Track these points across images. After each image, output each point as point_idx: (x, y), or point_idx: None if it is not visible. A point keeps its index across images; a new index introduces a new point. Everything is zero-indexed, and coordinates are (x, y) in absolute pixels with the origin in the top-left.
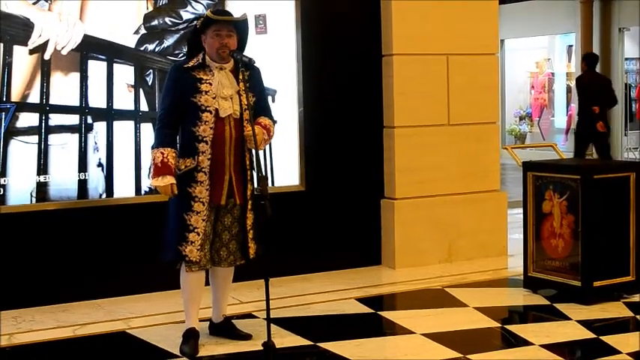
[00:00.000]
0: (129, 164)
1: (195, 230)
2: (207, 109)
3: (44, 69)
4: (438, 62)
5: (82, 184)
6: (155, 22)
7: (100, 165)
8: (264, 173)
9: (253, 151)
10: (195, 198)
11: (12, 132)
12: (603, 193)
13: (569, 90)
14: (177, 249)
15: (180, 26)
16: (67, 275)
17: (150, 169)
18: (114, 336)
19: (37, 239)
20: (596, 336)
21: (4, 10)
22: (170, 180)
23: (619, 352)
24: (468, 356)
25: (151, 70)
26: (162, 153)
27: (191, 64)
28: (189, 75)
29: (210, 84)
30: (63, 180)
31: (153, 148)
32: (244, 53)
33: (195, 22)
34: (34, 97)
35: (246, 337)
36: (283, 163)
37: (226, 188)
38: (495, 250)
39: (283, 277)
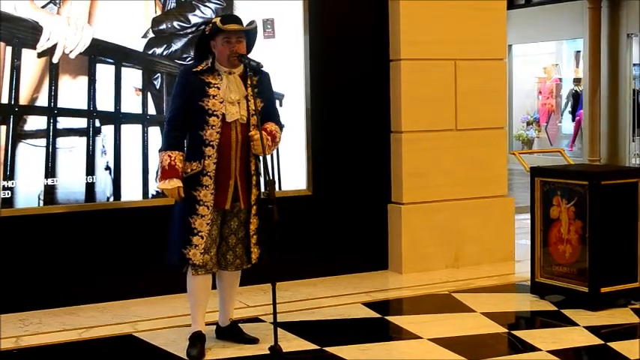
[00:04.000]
0: (136, 167)
1: (200, 234)
2: (215, 113)
3: (52, 72)
4: (446, 67)
5: (90, 187)
6: (163, 26)
7: (107, 168)
8: (271, 177)
9: (261, 156)
10: (200, 202)
11: (20, 135)
12: (611, 198)
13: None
14: (181, 252)
15: (189, 30)
16: (74, 278)
17: (157, 172)
18: (120, 339)
19: (44, 242)
20: (603, 342)
21: (13, 14)
22: (177, 183)
23: (626, 359)
24: None
25: (158, 74)
26: (169, 156)
27: (200, 68)
28: (198, 79)
29: (218, 88)
30: (70, 183)
31: (161, 150)
32: (253, 57)
33: (203, 25)
34: (43, 101)
35: (253, 340)
36: (290, 168)
37: (231, 193)
38: (502, 255)
39: (290, 281)
